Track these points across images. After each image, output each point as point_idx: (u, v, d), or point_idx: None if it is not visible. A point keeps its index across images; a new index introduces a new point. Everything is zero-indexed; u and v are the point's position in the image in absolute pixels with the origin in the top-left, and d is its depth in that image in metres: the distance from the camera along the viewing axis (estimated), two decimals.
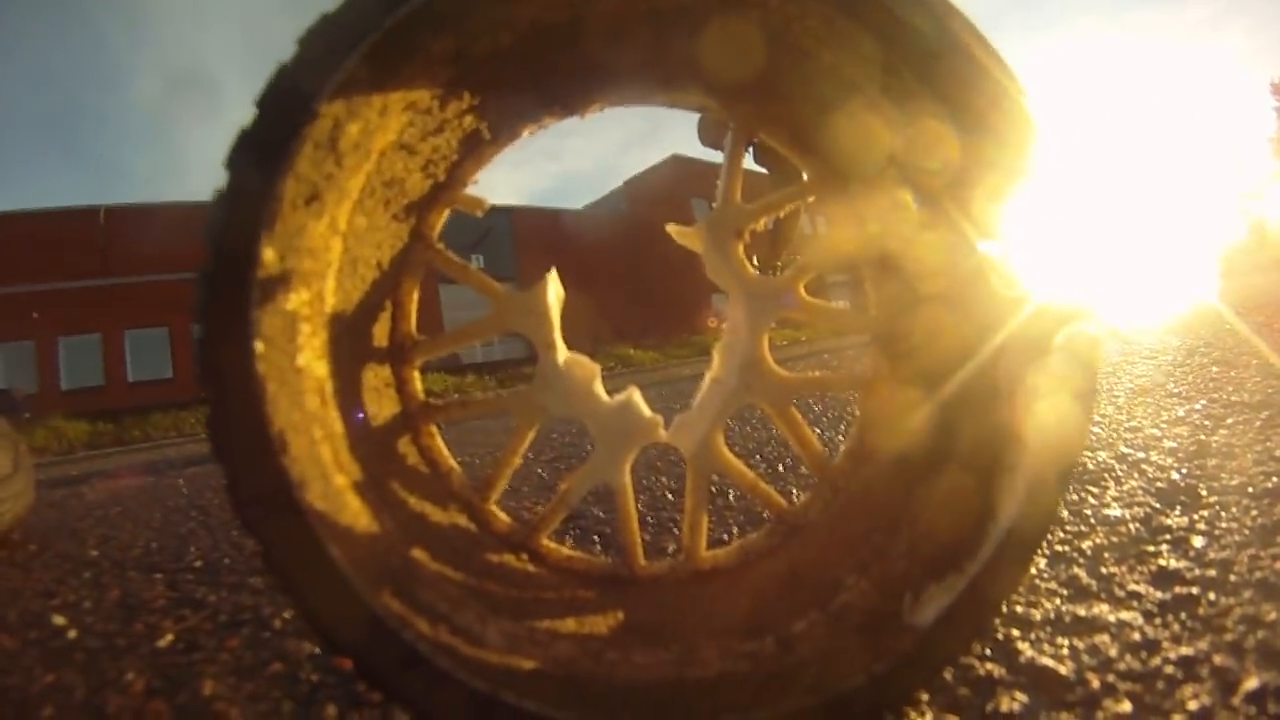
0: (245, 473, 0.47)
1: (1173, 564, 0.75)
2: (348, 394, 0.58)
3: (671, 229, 0.73)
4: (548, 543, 0.69)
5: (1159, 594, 0.69)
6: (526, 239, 25.70)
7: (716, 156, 0.77)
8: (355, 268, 0.59)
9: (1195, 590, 0.68)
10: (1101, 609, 0.68)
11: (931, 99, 0.56)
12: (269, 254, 0.47)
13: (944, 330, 0.65)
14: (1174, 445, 1.25)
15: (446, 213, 0.68)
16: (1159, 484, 1.03)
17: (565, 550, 0.70)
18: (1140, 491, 1.01)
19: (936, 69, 0.55)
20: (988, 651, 0.62)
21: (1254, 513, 0.85)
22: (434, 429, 0.69)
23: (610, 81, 0.69)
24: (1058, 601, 0.71)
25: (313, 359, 0.52)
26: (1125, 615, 0.66)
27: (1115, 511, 0.94)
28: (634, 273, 27.00)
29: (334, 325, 0.56)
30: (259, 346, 0.47)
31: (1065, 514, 0.95)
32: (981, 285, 0.58)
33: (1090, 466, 1.19)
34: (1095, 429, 1.49)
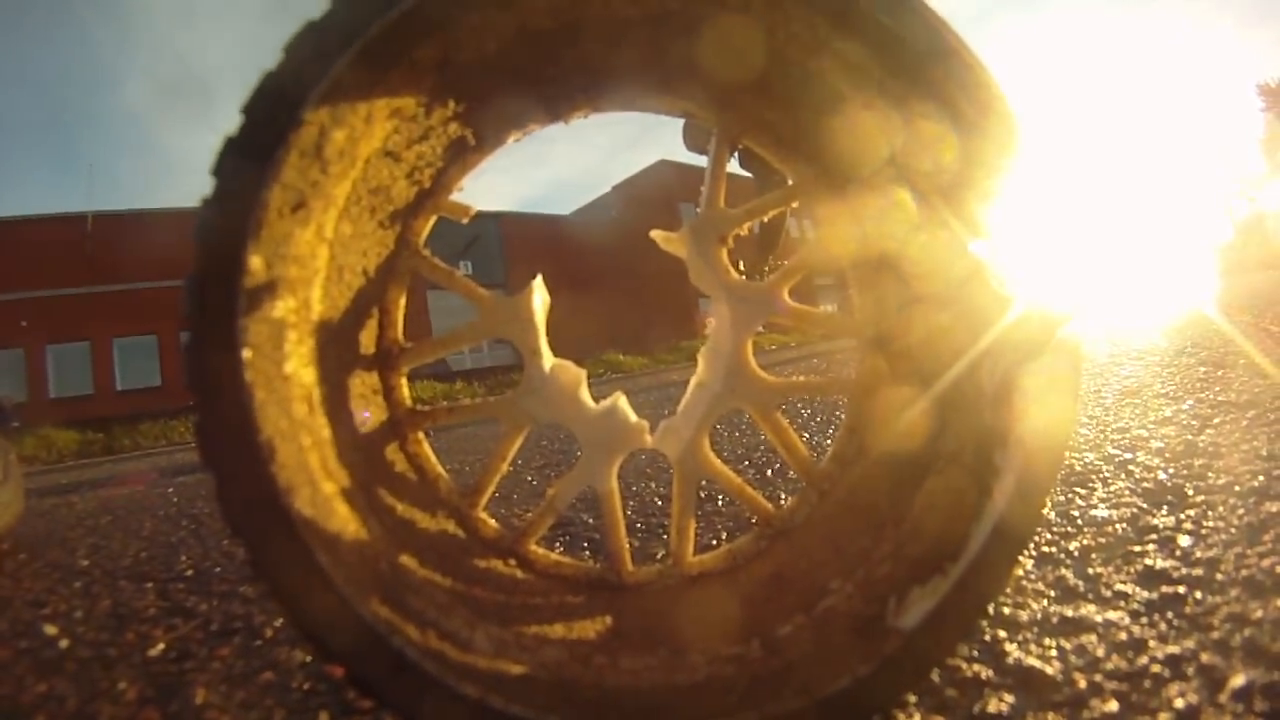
0: (233, 479, 0.47)
1: (1159, 564, 0.76)
2: (335, 401, 0.58)
3: (656, 235, 0.73)
4: (536, 548, 0.70)
5: (1146, 594, 0.69)
6: (515, 245, 25.68)
7: (704, 161, 0.78)
8: (342, 275, 0.59)
9: (1182, 589, 0.69)
10: (1089, 609, 0.68)
11: (921, 103, 0.57)
12: (256, 262, 0.47)
13: (935, 332, 0.65)
14: (1161, 445, 1.26)
15: (433, 219, 0.68)
16: (1146, 484, 1.04)
17: (553, 556, 0.70)
18: (1127, 492, 1.01)
19: (925, 77, 0.55)
20: (975, 653, 0.63)
21: (1240, 511, 0.86)
22: (421, 436, 0.69)
23: (595, 87, 0.69)
24: (1045, 602, 0.71)
25: (300, 366, 0.52)
26: (1112, 615, 0.66)
27: (1102, 512, 0.94)
28: (624, 278, 27.00)
29: (321, 332, 0.56)
30: (247, 354, 0.47)
31: (1052, 515, 0.96)
32: (974, 286, 0.58)
33: (1077, 468, 1.20)
34: (1083, 430, 1.50)
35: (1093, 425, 1.55)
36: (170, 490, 3.11)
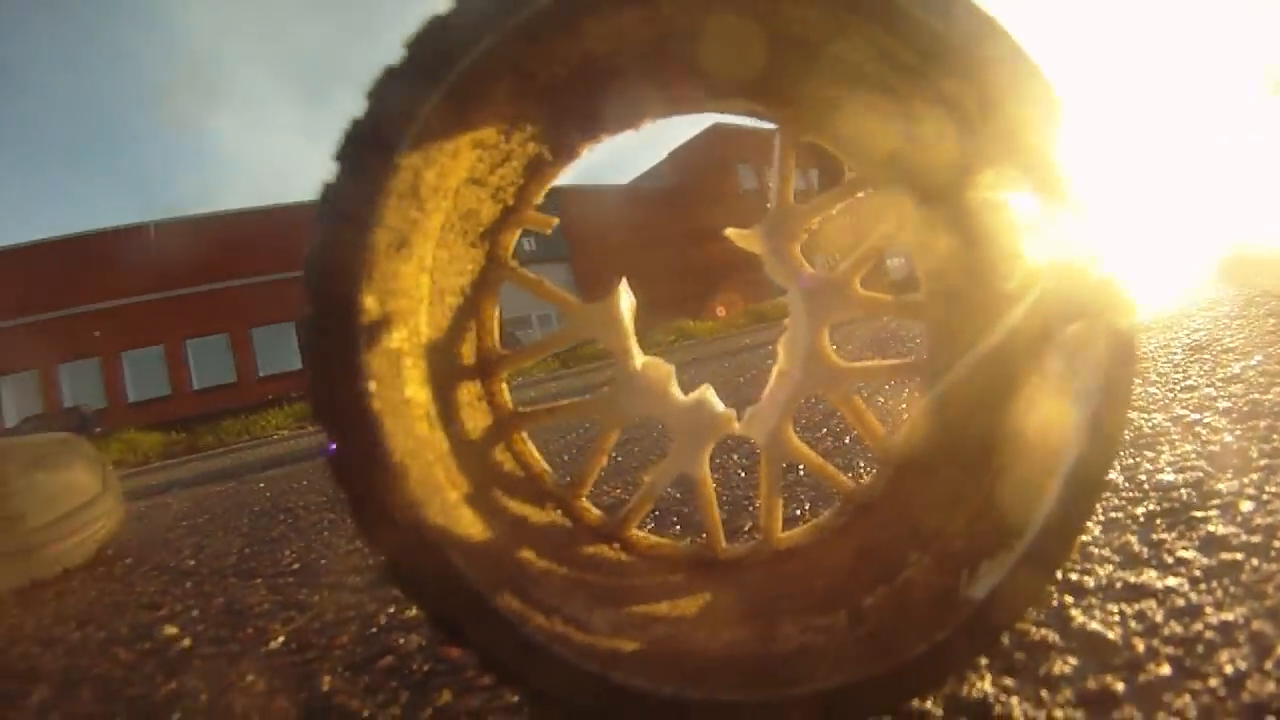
0: (370, 500, 0.52)
1: (1220, 530, 0.77)
2: (448, 414, 0.64)
3: (731, 233, 0.77)
4: (636, 532, 0.75)
5: (1206, 560, 0.71)
6: (575, 219, 26.02)
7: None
8: (443, 297, 0.65)
9: (1240, 556, 0.71)
10: (1150, 575, 0.71)
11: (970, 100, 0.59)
12: (370, 301, 0.53)
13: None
14: (1229, 405, 1.26)
15: (518, 232, 0.74)
16: (1212, 447, 1.04)
17: (653, 538, 0.76)
18: (1194, 455, 1.02)
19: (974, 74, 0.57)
20: (1044, 618, 0.66)
21: None
22: (524, 435, 0.76)
23: (660, 97, 0.73)
24: (1110, 568, 0.74)
25: (417, 388, 0.59)
26: (1172, 582, 0.69)
27: (1168, 476, 0.96)
28: (686, 244, 26.86)
29: (430, 354, 0.62)
30: (372, 385, 0.53)
31: (1121, 480, 0.98)
32: (1044, 272, 0.60)
33: (1146, 430, 1.21)
34: (1151, 390, 1.50)
35: (1162, 383, 1.55)
36: (261, 485, 3.29)
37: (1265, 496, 0.83)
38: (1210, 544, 0.75)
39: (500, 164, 0.67)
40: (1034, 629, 0.65)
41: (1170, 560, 0.73)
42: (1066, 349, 0.59)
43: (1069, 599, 0.69)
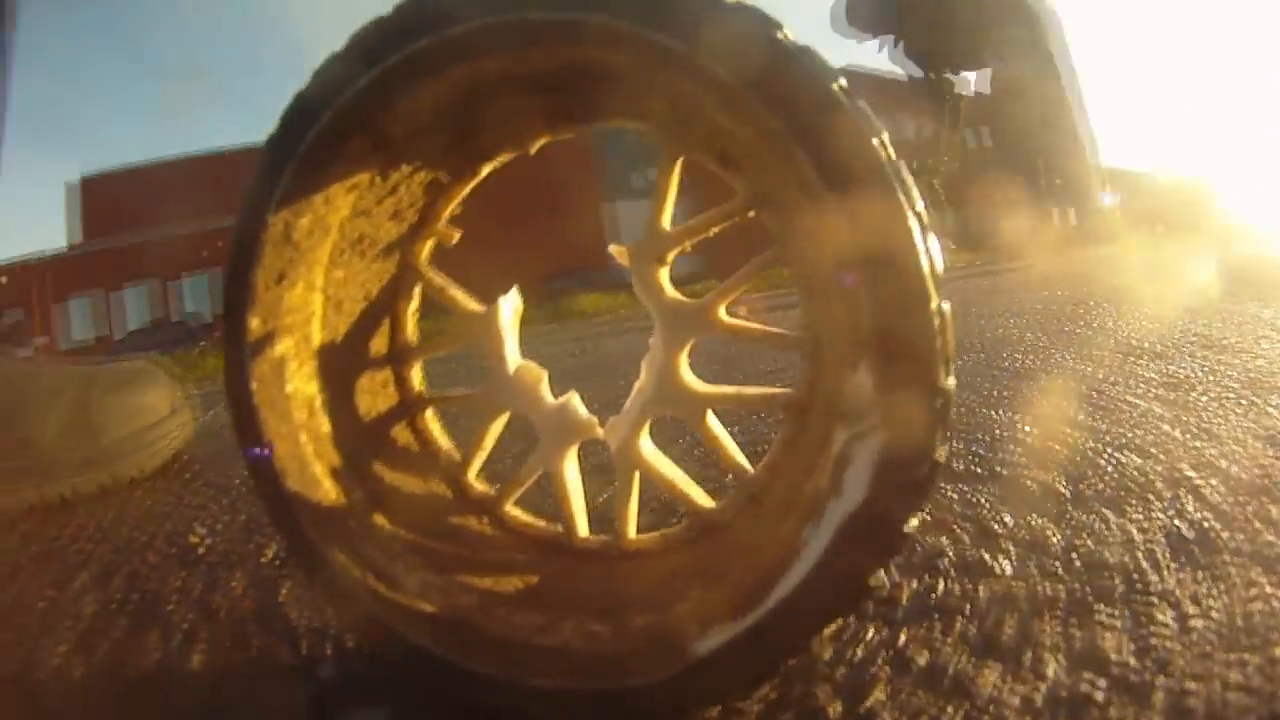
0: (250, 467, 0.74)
1: (1083, 649, 0.67)
2: (338, 400, 0.83)
3: (612, 249, 0.84)
4: (512, 509, 0.91)
5: (1018, 695, 0.62)
6: None
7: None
8: (341, 306, 0.84)
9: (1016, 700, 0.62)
10: (908, 680, 0.67)
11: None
12: (255, 323, 0.74)
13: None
14: (1238, 469, 1.10)
15: (431, 241, 0.88)
16: (1183, 526, 0.92)
17: (525, 517, 0.92)
18: (1157, 532, 0.91)
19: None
20: (835, 691, 0.67)
21: (1255, 593, 0.72)
22: (429, 414, 0.92)
23: (537, 122, 0.83)
24: (887, 656, 0.72)
25: (301, 384, 0.79)
26: (917, 699, 0.64)
27: (1104, 554, 0.86)
28: None
29: (321, 354, 0.82)
30: (254, 385, 0.73)
31: (1012, 547, 0.92)
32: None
33: (1134, 480, 1.10)
34: (1170, 430, 1.33)
35: (1186, 424, 1.35)
36: None
37: (1191, 613, 0.70)
38: (1045, 674, 0.65)
39: (387, 195, 0.82)
40: (819, 696, 0.67)
41: (968, 677, 0.66)
42: (851, 434, 0.62)
43: (840, 673, 0.70)
